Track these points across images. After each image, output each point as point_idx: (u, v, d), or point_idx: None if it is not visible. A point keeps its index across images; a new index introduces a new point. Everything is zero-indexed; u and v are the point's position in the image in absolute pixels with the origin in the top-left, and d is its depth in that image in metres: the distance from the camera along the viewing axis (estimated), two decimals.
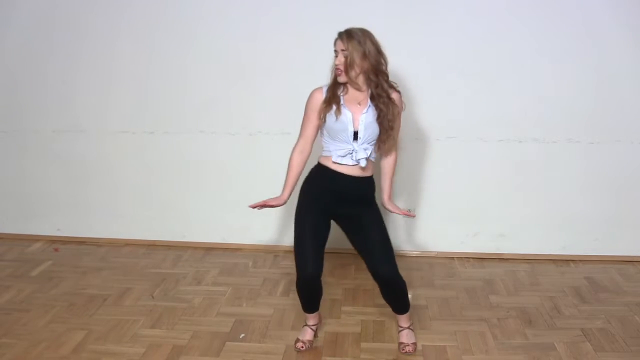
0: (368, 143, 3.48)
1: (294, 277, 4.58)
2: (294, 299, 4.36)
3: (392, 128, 3.50)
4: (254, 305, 4.35)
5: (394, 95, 3.51)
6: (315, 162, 3.64)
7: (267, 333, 3.94)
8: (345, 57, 3.38)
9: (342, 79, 3.44)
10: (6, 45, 5.25)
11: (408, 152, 5.03)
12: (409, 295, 4.25)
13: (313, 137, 3.58)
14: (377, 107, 3.45)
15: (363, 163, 3.47)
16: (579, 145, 4.95)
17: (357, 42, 3.36)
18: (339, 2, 4.73)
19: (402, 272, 4.64)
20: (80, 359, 3.61)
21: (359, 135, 3.44)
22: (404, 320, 3.82)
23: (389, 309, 4.04)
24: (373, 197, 3.66)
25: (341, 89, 3.49)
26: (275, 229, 5.35)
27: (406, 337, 3.78)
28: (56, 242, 5.53)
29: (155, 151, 5.31)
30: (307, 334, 3.83)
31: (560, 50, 4.80)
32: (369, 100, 3.48)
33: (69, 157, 5.42)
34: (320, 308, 3.90)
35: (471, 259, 5.21)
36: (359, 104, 3.47)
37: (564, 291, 4.58)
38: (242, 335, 3.90)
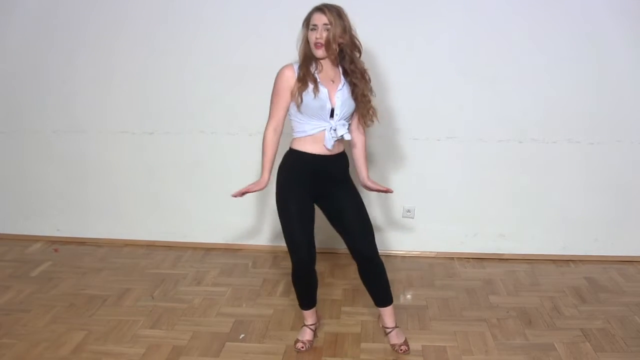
0: (345, 119, 3.48)
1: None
2: (293, 300, 4.36)
3: (369, 101, 3.52)
4: (254, 306, 4.34)
5: (363, 73, 3.50)
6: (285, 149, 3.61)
7: (267, 333, 3.93)
8: (327, 31, 3.36)
9: (320, 53, 3.41)
10: (6, 45, 5.24)
11: (408, 152, 5.05)
12: (408, 296, 4.28)
13: (284, 116, 3.53)
14: (351, 82, 3.47)
15: (347, 137, 3.50)
16: (579, 146, 4.94)
17: (337, 16, 3.37)
18: (338, 2, 4.73)
19: (402, 273, 4.70)
20: (80, 359, 3.61)
21: (335, 112, 3.44)
22: (388, 318, 3.78)
23: None
24: (348, 174, 3.67)
25: (314, 66, 3.46)
26: (275, 229, 5.34)
27: (396, 337, 3.77)
28: (56, 243, 5.52)
29: (156, 151, 5.31)
30: (307, 334, 3.82)
31: (561, 51, 4.80)
32: (342, 77, 3.49)
33: (69, 157, 5.42)
34: (319, 308, 3.93)
35: (471, 259, 5.20)
36: (332, 80, 3.47)
37: (564, 291, 4.58)
38: (242, 335, 3.90)
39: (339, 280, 4.78)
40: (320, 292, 4.44)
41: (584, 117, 4.92)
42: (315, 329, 3.88)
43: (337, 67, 3.50)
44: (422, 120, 4.99)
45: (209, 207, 5.37)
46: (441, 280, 4.82)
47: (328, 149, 3.47)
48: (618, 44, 4.76)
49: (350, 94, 3.47)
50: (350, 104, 3.48)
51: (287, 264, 4.90)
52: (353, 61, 3.46)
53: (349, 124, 3.56)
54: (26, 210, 5.63)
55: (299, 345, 3.75)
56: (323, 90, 3.40)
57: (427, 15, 4.81)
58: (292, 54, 4.76)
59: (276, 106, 3.51)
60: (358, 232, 3.59)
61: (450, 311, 4.27)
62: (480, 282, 4.76)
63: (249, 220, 5.30)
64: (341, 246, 5.08)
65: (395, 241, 5.22)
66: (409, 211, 5.18)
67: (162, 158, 5.32)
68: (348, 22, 3.41)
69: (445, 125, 5.02)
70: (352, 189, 3.65)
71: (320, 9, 3.41)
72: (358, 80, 3.46)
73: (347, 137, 3.50)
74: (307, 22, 3.44)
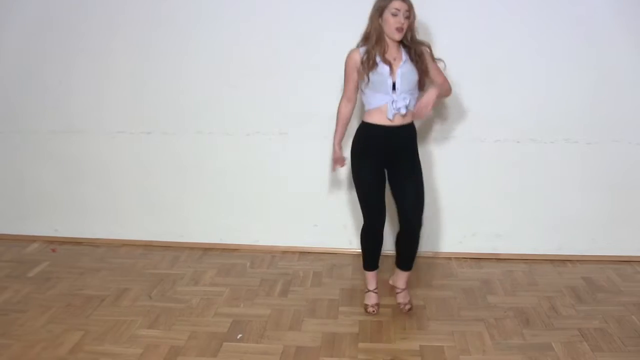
0: (407, 92, 3.87)
1: (291, 278, 4.63)
2: (291, 299, 4.42)
3: (427, 75, 3.97)
4: (252, 306, 4.34)
5: (423, 49, 3.95)
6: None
7: (265, 333, 3.92)
8: (407, 19, 3.79)
9: (398, 37, 3.82)
10: (1, 46, 5.24)
11: None
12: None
13: (355, 90, 4.00)
14: (412, 59, 3.89)
15: (403, 110, 3.86)
16: (576, 146, 4.94)
17: (412, 5, 3.81)
18: (338, 2, 4.73)
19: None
20: (78, 359, 3.61)
21: (396, 85, 3.84)
22: (402, 281, 4.32)
23: (386, 309, 4.20)
24: (415, 146, 4.10)
25: (381, 46, 3.86)
26: (272, 229, 5.36)
27: (403, 297, 4.31)
28: (53, 243, 5.51)
29: (153, 151, 5.30)
30: (373, 298, 4.29)
31: (558, 50, 4.80)
32: (404, 55, 3.89)
33: (66, 157, 5.41)
34: (316, 307, 4.06)
35: (468, 259, 5.19)
36: (394, 58, 3.87)
37: (562, 291, 4.58)
38: (240, 335, 3.89)
39: (336, 280, 4.78)
40: (318, 292, 4.49)
41: (581, 117, 4.91)
42: (378, 294, 4.32)
43: (399, 46, 3.91)
44: (420, 121, 4.96)
45: (206, 207, 5.36)
46: (439, 280, 4.81)
47: (389, 119, 3.87)
48: (616, 44, 4.76)
49: (413, 69, 3.89)
50: (411, 79, 3.88)
51: (285, 264, 4.97)
52: (414, 41, 3.92)
53: (417, 96, 3.97)
54: (23, 211, 5.62)
55: (370, 309, 4.24)
56: (385, 67, 3.83)
57: (425, 15, 4.80)
58: (290, 54, 4.77)
59: (347, 84, 4.01)
60: (413, 205, 4.05)
61: (448, 311, 4.26)
62: (478, 282, 4.76)
63: (246, 220, 5.29)
64: (337, 246, 5.10)
65: (392, 241, 5.21)
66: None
67: (160, 158, 5.31)
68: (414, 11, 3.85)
69: (442, 125, 5.01)
70: (415, 164, 4.09)
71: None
72: (418, 57, 3.91)
73: (403, 110, 3.86)
74: (384, 8, 3.80)
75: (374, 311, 4.22)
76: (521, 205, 5.13)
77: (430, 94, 3.82)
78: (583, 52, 4.80)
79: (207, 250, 5.36)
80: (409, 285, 4.35)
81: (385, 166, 4.06)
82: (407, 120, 3.94)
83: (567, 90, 4.87)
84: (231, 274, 4.90)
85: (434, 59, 4.03)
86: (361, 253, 4.33)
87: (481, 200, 5.14)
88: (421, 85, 3.97)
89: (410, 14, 3.80)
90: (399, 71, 3.84)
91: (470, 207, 5.17)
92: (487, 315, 4.18)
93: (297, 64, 4.86)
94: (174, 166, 5.32)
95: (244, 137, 5.10)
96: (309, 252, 5.31)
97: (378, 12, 3.83)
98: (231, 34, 4.94)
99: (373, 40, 3.85)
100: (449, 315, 4.20)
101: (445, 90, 4.09)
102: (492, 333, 3.93)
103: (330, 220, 5.25)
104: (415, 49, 3.90)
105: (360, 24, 3.92)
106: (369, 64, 3.83)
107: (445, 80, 4.09)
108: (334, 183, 5.16)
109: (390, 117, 3.86)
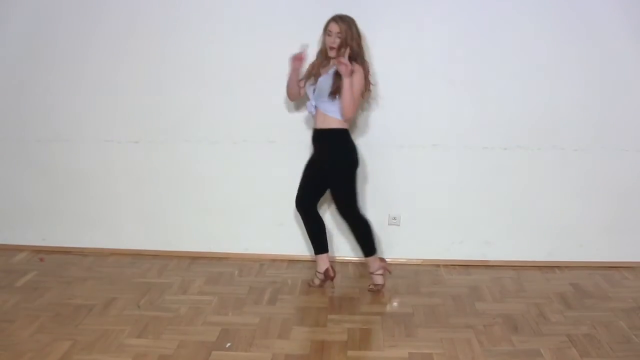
0: (320, 98, 4.40)
1: (280, 286, 4.68)
2: (280, 307, 4.42)
3: (339, 88, 4.29)
4: (240, 314, 4.32)
5: (355, 67, 4.28)
6: None
7: (254, 342, 3.91)
8: (339, 38, 4.29)
9: (331, 54, 4.36)
10: None
11: (393, 160, 5.07)
12: (394, 304, 4.30)
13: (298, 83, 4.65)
14: (335, 73, 4.31)
15: (310, 109, 4.51)
16: (563, 152, 4.97)
17: (348, 27, 4.29)
18: (326, 9, 4.73)
19: (388, 280, 4.76)
20: None
21: (315, 91, 4.44)
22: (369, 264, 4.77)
23: (375, 317, 4.23)
24: (330, 154, 4.51)
25: (318, 61, 4.52)
26: (261, 237, 5.35)
27: (373, 279, 4.74)
28: (41, 252, 5.48)
29: (140, 160, 5.29)
30: (315, 279, 4.84)
31: (545, 58, 4.83)
32: (334, 68, 4.34)
33: (53, 166, 5.40)
34: (305, 315, 4.15)
35: (457, 266, 5.20)
36: (327, 70, 4.42)
37: (550, 297, 4.59)
38: (229, 344, 3.87)
39: (325, 287, 4.78)
40: (307, 300, 4.48)
41: (569, 123, 4.95)
42: (324, 279, 4.77)
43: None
44: (408, 127, 5.01)
45: (194, 215, 5.36)
46: (427, 287, 4.81)
47: (316, 123, 4.52)
48: (606, 51, 4.80)
49: (329, 81, 4.34)
50: (324, 88, 4.35)
51: (273, 272, 4.99)
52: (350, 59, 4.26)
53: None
54: (11, 220, 5.59)
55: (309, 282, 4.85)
56: (319, 78, 4.44)
57: (414, 21, 4.83)
58: (277, 62, 4.78)
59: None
60: (335, 200, 4.65)
61: (437, 318, 4.26)
62: (466, 288, 4.76)
63: (234, 228, 5.28)
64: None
65: (381, 248, 5.22)
66: (394, 219, 5.19)
67: (147, 167, 5.31)
68: (355, 33, 4.32)
69: (430, 133, 5.02)
70: (327, 169, 4.54)
71: (334, 19, 4.32)
72: (335, 76, 4.32)
73: (309, 108, 4.52)
74: (325, 28, 4.37)
75: (310, 284, 4.83)
76: (509, 212, 5.15)
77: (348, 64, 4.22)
78: (572, 60, 4.84)
79: (195, 258, 5.35)
80: (386, 330, 4.10)
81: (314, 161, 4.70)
82: (325, 125, 4.46)
83: (554, 97, 4.91)
84: (220, 282, 4.89)
85: (361, 81, 4.35)
86: (373, 241, 4.73)
87: (469, 207, 5.16)
88: (334, 97, 4.34)
89: (342, 35, 4.27)
90: (320, 79, 4.43)
91: (458, 213, 5.18)
92: (475, 322, 4.18)
93: (284, 72, 4.84)
94: (161, 175, 5.31)
95: (232, 145, 5.10)
96: (297, 260, 5.31)
97: (323, 31, 4.38)
98: (218, 44, 4.94)
99: (322, 55, 4.49)
100: (437, 322, 4.20)
101: (352, 93, 4.29)
102: (480, 340, 3.92)
103: None
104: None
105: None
106: (309, 75, 4.53)
107: (345, 104, 4.30)
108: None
109: (309, 110, 4.56)
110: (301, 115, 5.00)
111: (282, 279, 4.93)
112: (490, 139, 5.00)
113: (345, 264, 5.24)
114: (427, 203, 5.17)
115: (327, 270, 4.73)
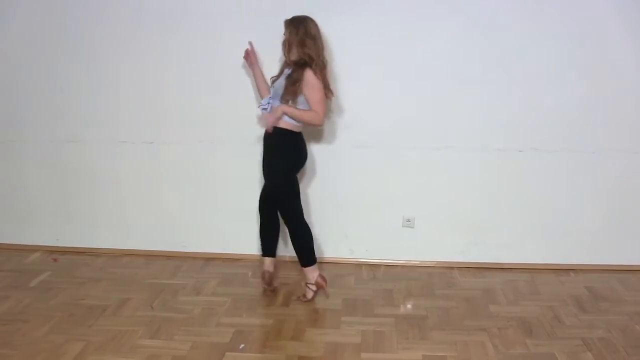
0: (274, 98, 4.39)
1: (294, 287, 4.63)
2: (293, 309, 4.40)
3: (296, 95, 4.28)
4: (254, 316, 4.33)
5: (304, 72, 4.24)
6: None
7: (267, 343, 3.91)
8: (286, 40, 4.34)
9: (285, 57, 4.42)
10: (4, 54, 5.23)
11: (407, 161, 5.05)
12: (408, 306, 4.29)
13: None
14: (288, 76, 4.30)
15: (263, 106, 4.48)
16: (580, 155, 4.93)
17: (294, 29, 4.28)
18: (330, 11, 4.73)
19: (402, 282, 4.73)
20: None
21: (272, 91, 4.48)
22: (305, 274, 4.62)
23: (389, 319, 4.23)
24: (280, 148, 4.45)
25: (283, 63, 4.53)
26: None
27: (305, 290, 4.60)
28: (55, 253, 5.50)
29: (155, 161, 5.29)
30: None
31: (562, 60, 4.80)
32: (287, 71, 4.37)
33: (68, 167, 5.40)
34: (318, 317, 4.15)
35: (471, 269, 5.18)
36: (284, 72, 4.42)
37: (565, 300, 4.56)
38: (242, 345, 3.87)
39: (339, 289, 4.75)
40: (320, 302, 4.45)
41: (585, 126, 4.91)
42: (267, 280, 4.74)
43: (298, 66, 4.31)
44: (421, 129, 4.98)
45: (208, 216, 5.35)
46: (441, 289, 4.79)
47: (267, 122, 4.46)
48: (620, 53, 4.76)
49: (282, 84, 4.32)
50: (278, 89, 4.36)
51: (287, 273, 4.95)
52: (295, 62, 4.31)
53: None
54: (25, 220, 5.60)
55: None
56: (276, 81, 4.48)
57: (428, 23, 4.80)
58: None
59: None
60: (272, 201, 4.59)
61: (451, 321, 4.24)
62: (481, 291, 4.74)
63: (248, 229, 5.27)
64: (340, 255, 5.08)
65: (395, 250, 5.20)
66: (408, 220, 5.16)
67: (162, 167, 5.31)
68: (303, 34, 4.26)
69: (444, 134, 5.00)
70: (274, 163, 4.47)
71: (285, 22, 4.35)
72: (295, 75, 4.27)
73: (261, 108, 4.52)
74: None
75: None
76: (524, 214, 5.12)
77: (276, 110, 4.32)
78: (587, 62, 4.82)
79: (209, 260, 5.34)
80: (400, 332, 4.09)
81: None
82: (275, 124, 4.39)
83: (570, 99, 4.87)
84: (233, 283, 4.88)
85: (315, 87, 4.27)
86: (309, 250, 4.58)
87: (483, 210, 5.14)
88: (287, 101, 4.31)
89: (285, 38, 4.35)
90: (278, 80, 4.44)
91: (472, 216, 5.15)
92: (489, 325, 4.16)
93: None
94: (175, 176, 5.31)
95: (246, 146, 5.08)
96: None
97: None
98: (232, 45, 4.91)
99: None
100: (451, 324, 4.18)
101: (305, 115, 4.31)
102: (495, 343, 3.91)
103: (331, 230, 5.24)
104: (294, 70, 4.30)
105: (358, 34, 4.59)
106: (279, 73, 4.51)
107: (308, 111, 4.30)
108: (335, 193, 5.17)
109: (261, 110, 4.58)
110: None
111: (296, 281, 4.91)
112: (506, 141, 4.97)
113: (359, 265, 5.23)
114: (441, 205, 5.15)
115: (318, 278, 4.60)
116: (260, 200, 4.73)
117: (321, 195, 5.18)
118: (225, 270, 5.15)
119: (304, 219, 4.53)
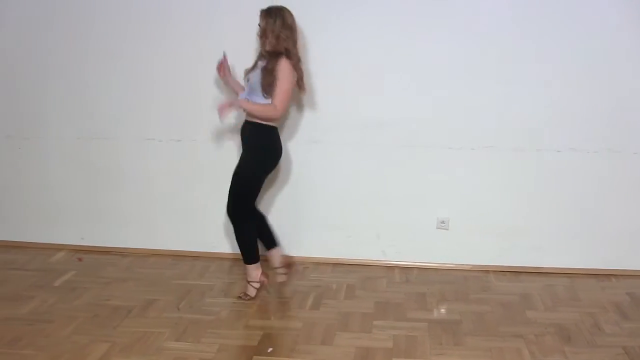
0: (250, 93, 4.34)
1: (324, 290, 4.55)
2: (324, 312, 4.35)
3: (268, 85, 4.25)
4: (283, 318, 4.28)
5: (279, 61, 4.24)
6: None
7: (296, 347, 3.85)
8: (260, 31, 4.32)
9: (261, 46, 4.40)
10: (28, 50, 5.24)
11: (442, 162, 4.98)
12: (442, 310, 4.18)
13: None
14: (263, 68, 4.28)
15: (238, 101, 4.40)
16: (620, 155, 4.83)
17: (269, 18, 4.26)
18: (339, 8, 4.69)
19: (436, 286, 4.69)
20: None
21: (248, 85, 4.43)
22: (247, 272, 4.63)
23: (422, 324, 4.15)
24: (252, 143, 4.44)
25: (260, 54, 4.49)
26: (304, 240, 5.29)
27: (246, 288, 4.61)
28: (80, 252, 5.49)
29: (183, 159, 5.27)
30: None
31: (602, 59, 4.70)
32: (261, 63, 4.36)
33: (93, 164, 5.40)
34: (349, 321, 4.08)
35: (507, 273, 5.08)
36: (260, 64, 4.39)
37: (605, 307, 4.46)
38: (270, 349, 3.81)
39: (371, 292, 4.69)
40: (351, 305, 4.40)
41: (625, 126, 4.81)
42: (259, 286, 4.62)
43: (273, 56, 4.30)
44: (457, 129, 4.91)
45: None
46: (476, 294, 4.71)
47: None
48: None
49: (258, 76, 4.28)
50: (255, 82, 4.30)
51: (317, 275, 4.91)
52: (270, 53, 4.30)
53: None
54: (50, 219, 5.59)
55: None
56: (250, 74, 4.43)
57: (450, 23, 4.73)
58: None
59: None
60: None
61: (486, 326, 4.15)
62: (517, 296, 4.64)
63: (278, 230, 5.18)
64: (371, 258, 4.99)
65: (428, 253, 5.13)
66: (443, 222, 5.07)
67: (189, 166, 5.28)
68: (279, 25, 4.25)
69: (480, 134, 4.92)
70: (243, 158, 4.49)
71: (261, 12, 4.32)
72: (269, 66, 4.26)
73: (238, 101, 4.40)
74: None
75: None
76: (563, 217, 5.01)
77: (235, 102, 4.35)
78: (628, 60, 4.72)
79: (237, 260, 5.23)
80: (433, 338, 4.00)
81: None
82: (248, 118, 4.40)
83: (609, 99, 4.77)
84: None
85: (287, 77, 4.28)
86: (251, 248, 4.58)
87: (521, 212, 5.04)
88: (266, 92, 4.26)
89: (261, 28, 4.31)
90: (252, 73, 4.39)
91: (509, 218, 5.06)
92: (526, 331, 4.06)
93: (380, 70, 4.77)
94: (203, 174, 5.27)
95: None
96: (341, 264, 5.22)
97: None
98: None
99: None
100: (486, 330, 4.10)
101: (260, 110, 4.31)
102: (531, 350, 3.81)
103: (363, 230, 5.17)
104: (269, 61, 4.28)
105: (377, 31, 4.65)
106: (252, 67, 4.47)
107: (269, 106, 4.28)
108: (367, 193, 5.10)
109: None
110: (346, 115, 4.96)
111: (326, 283, 4.85)
112: (544, 142, 4.88)
113: (391, 267, 5.14)
114: (477, 206, 5.06)
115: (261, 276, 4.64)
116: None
117: (353, 194, 5.13)
118: None
119: (250, 218, 4.52)
